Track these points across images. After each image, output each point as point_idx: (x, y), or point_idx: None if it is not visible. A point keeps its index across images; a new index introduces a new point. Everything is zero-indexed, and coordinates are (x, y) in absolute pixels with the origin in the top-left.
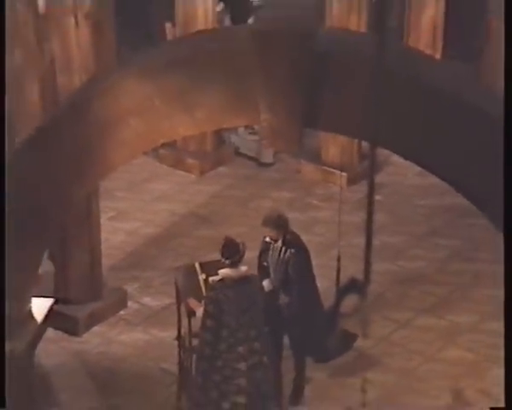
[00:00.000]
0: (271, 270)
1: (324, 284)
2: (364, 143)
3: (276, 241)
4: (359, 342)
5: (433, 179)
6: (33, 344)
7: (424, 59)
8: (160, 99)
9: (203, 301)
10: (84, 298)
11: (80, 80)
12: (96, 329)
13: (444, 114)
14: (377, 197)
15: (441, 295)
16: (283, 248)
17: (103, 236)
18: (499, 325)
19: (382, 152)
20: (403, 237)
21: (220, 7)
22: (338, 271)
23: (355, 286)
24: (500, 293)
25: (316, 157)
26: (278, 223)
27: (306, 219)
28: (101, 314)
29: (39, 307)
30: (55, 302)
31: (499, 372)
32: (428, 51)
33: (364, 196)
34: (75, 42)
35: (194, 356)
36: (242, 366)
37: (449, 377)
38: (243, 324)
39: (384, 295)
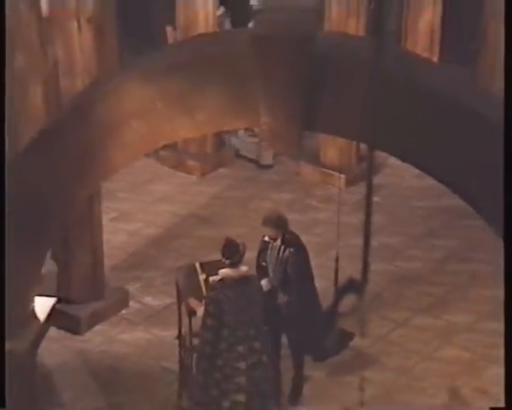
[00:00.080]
0: (270, 269)
1: (323, 283)
2: (362, 146)
3: (275, 240)
4: (357, 341)
5: (430, 181)
6: (36, 343)
7: (421, 62)
8: (162, 102)
9: (203, 301)
10: (86, 298)
11: (83, 83)
12: (98, 328)
13: (441, 116)
14: (375, 199)
15: (438, 295)
16: (282, 248)
17: (105, 236)
18: (495, 325)
19: (380, 154)
20: (400, 237)
21: (221, 11)
22: (336, 271)
23: (353, 286)
24: (496, 293)
25: (315, 159)
26: (278, 222)
27: (306, 219)
28: (103, 314)
29: (42, 306)
30: (58, 302)
31: (495, 371)
32: (426, 55)
33: (362, 198)
34: (78, 46)
35: (195, 355)
36: (242, 364)
37: (445, 376)
38: (243, 323)
39: (382, 295)
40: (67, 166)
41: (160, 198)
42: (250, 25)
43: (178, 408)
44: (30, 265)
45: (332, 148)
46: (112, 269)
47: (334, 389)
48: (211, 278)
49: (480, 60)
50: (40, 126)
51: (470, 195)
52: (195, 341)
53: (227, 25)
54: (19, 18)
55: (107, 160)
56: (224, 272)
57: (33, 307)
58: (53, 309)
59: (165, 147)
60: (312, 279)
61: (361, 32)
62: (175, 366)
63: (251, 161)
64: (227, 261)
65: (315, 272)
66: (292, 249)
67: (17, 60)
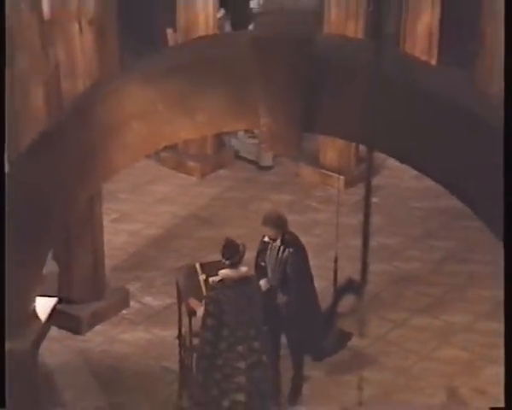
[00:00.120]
0: (269, 269)
1: (322, 284)
2: (361, 147)
3: (274, 240)
4: (356, 342)
5: (428, 182)
6: (37, 343)
7: (420, 65)
8: (162, 103)
9: (203, 301)
10: (87, 298)
11: (84, 85)
12: (98, 328)
13: (439, 118)
14: (374, 200)
15: (436, 296)
16: (282, 248)
17: (106, 237)
18: (493, 325)
19: (379, 156)
20: (399, 238)
21: (221, 13)
22: (335, 271)
23: (352, 286)
24: (494, 293)
25: (314, 160)
26: (278, 222)
27: (305, 220)
28: (104, 314)
29: (43, 306)
30: (59, 302)
31: (493, 371)
32: (424, 57)
33: (361, 199)
34: (79, 48)
35: (195, 355)
36: (242, 364)
37: (443, 376)
38: (243, 323)
39: (380, 296)
40: (69, 167)
41: (160, 199)
42: (250, 27)
43: (179, 408)
44: (31, 265)
45: (331, 149)
46: (112, 269)
47: (333, 389)
48: (211, 279)
49: (478, 62)
50: (41, 128)
51: (468, 196)
52: (195, 341)
53: (227, 27)
54: (20, 20)
55: (107, 161)
56: (223, 272)
57: (35, 307)
58: (54, 309)
59: (165, 148)
60: (311, 279)
61: (360, 35)
62: (175, 366)
63: (251, 162)
64: (227, 262)
65: (314, 272)
66: (291, 249)
67: (19, 61)
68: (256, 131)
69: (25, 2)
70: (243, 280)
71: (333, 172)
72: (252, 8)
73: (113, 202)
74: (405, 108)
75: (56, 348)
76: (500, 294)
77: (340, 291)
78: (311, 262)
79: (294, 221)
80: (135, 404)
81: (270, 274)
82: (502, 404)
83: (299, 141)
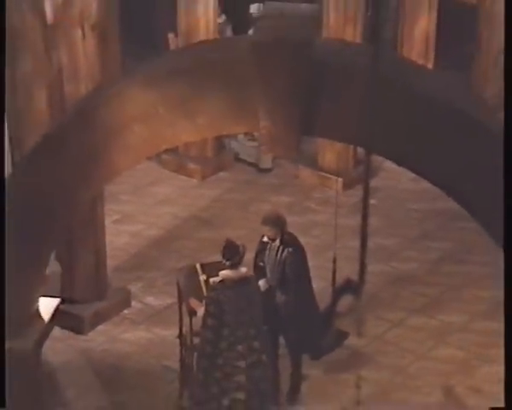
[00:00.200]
0: (268, 269)
1: (321, 284)
2: (360, 150)
3: (273, 240)
4: (354, 341)
5: (425, 184)
6: (40, 342)
7: (417, 69)
8: (164, 106)
9: (204, 301)
10: (89, 298)
11: (86, 89)
12: (100, 327)
13: (436, 121)
14: (372, 201)
15: (433, 296)
16: (281, 248)
17: (108, 238)
18: (489, 325)
19: (377, 158)
20: (396, 239)
21: (222, 19)
22: (334, 272)
23: (350, 287)
24: (489, 294)
25: (313, 163)
26: (277, 222)
27: (304, 222)
28: (106, 313)
29: (46, 306)
30: (62, 302)
31: (488, 370)
32: (421, 61)
33: (359, 200)
34: (82, 52)
35: (196, 354)
36: (242, 363)
37: (440, 375)
38: (243, 323)
39: (378, 296)
40: (71, 169)
41: (161, 201)
42: (250, 32)
43: (179, 406)
44: (34, 266)
45: (330, 152)
46: (114, 270)
47: (332, 388)
48: (211, 279)
49: (475, 65)
50: (44, 130)
51: (465, 198)
52: (196, 340)
53: (228, 32)
54: (24, 24)
55: (110, 163)
56: (224, 273)
57: (38, 307)
58: (57, 309)
59: (166, 151)
60: (310, 280)
61: (358, 39)
62: (176, 365)
63: (250, 164)
64: (227, 263)
65: (313, 272)
66: (290, 249)
67: (22, 65)
68: (256, 133)
69: (28, 7)
70: (243, 281)
71: (331, 174)
72: (252, 13)
73: (114, 204)
74: (403, 112)
75: (59, 348)
76: (496, 294)
77: (338, 291)
78: (310, 263)
79: (294, 222)
80: (136, 402)
81: (268, 274)
82: (497, 402)
83: (299, 144)
